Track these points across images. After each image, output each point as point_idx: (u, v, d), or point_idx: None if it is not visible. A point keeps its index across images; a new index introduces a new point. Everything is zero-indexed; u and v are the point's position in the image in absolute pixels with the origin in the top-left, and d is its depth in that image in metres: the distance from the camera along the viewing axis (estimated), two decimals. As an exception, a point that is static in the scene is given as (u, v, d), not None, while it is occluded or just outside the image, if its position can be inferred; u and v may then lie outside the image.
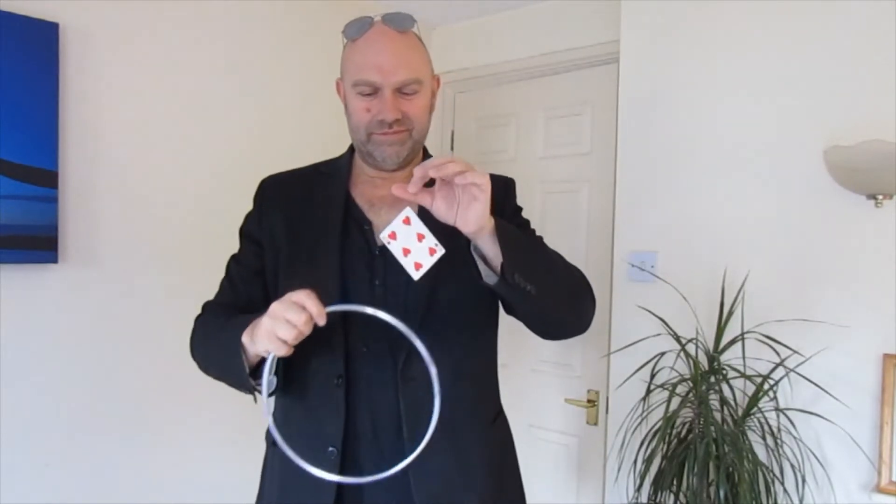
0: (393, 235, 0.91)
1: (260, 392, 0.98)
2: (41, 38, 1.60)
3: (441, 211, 0.92)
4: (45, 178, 1.61)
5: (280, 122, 2.20)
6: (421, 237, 0.92)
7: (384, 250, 1.08)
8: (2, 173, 1.54)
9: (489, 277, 0.97)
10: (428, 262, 0.91)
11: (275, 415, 1.16)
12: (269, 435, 1.17)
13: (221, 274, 1.20)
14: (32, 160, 1.59)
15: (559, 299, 1.04)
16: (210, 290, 1.20)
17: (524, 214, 1.24)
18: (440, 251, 0.92)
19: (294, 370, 1.09)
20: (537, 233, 1.23)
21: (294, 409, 1.11)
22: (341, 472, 1.03)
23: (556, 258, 1.09)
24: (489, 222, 0.93)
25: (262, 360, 0.94)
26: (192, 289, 1.90)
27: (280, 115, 2.21)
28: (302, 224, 1.11)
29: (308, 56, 2.26)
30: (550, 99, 2.43)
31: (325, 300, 1.04)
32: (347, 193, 1.13)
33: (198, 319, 1.15)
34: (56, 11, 1.65)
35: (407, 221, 0.91)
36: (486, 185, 0.89)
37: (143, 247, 1.86)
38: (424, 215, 0.95)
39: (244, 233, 1.19)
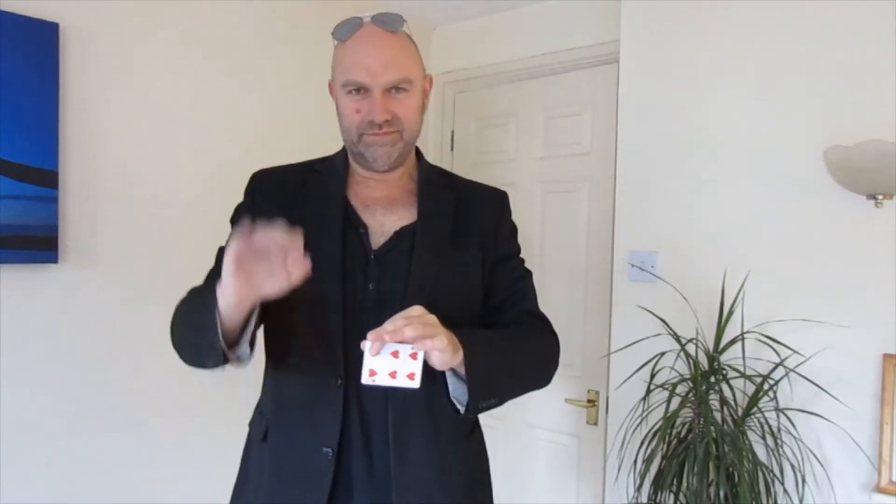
0: (373, 373, 0.91)
1: (231, 358, 0.94)
2: (41, 38, 1.60)
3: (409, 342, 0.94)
4: (45, 178, 1.61)
5: (280, 121, 2.20)
6: (396, 353, 0.91)
7: (379, 255, 1.08)
8: (2, 173, 1.54)
9: (456, 389, 1.02)
10: (418, 368, 0.91)
11: (264, 411, 1.16)
12: (256, 429, 1.16)
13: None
14: (32, 160, 1.59)
15: (518, 395, 1.12)
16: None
17: (519, 219, 1.25)
18: (421, 351, 0.91)
19: (292, 365, 1.09)
20: (527, 261, 1.25)
21: (290, 406, 1.10)
22: (333, 475, 1.04)
23: (524, 355, 1.12)
24: (459, 355, 0.95)
25: (241, 333, 0.94)
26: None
27: (280, 115, 2.21)
28: (299, 222, 1.11)
29: (308, 56, 2.26)
30: (550, 99, 2.43)
31: (326, 304, 1.05)
32: (344, 195, 1.13)
33: (179, 303, 1.11)
34: (56, 11, 1.65)
35: (375, 352, 0.90)
36: (443, 347, 0.91)
37: (142, 247, 1.86)
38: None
39: (235, 222, 1.17)
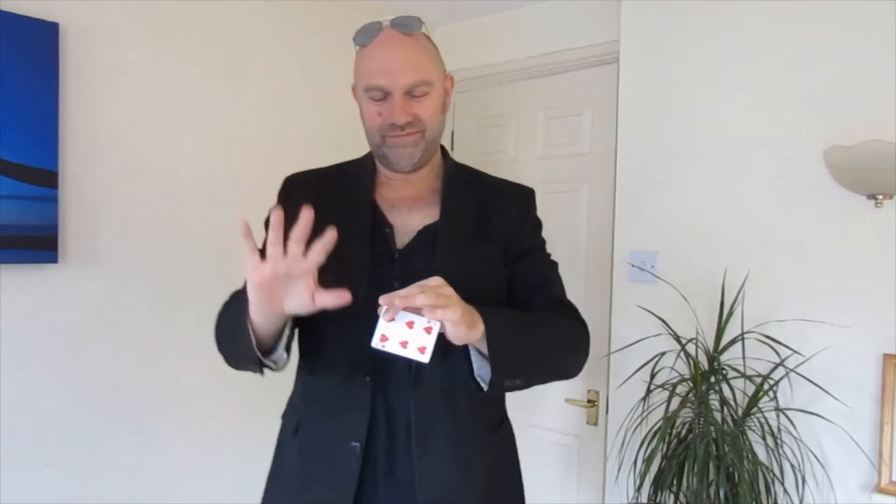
0: (384, 338, 0.91)
1: (268, 367, 0.98)
2: (41, 38, 1.60)
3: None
4: (45, 178, 1.61)
5: (281, 122, 2.20)
6: (410, 324, 0.91)
7: (404, 253, 1.09)
8: (2, 173, 1.54)
9: (480, 367, 1.01)
10: (430, 342, 0.91)
11: (296, 404, 1.17)
12: (289, 422, 1.17)
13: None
14: (32, 160, 1.59)
15: (544, 379, 1.11)
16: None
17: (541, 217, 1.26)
18: (436, 326, 0.91)
19: (322, 364, 1.11)
20: (549, 253, 1.25)
21: (321, 401, 1.11)
22: (360, 469, 1.05)
23: (549, 337, 1.09)
24: (478, 330, 0.94)
25: (277, 337, 0.97)
26: (193, 289, 1.91)
27: (281, 116, 2.21)
28: (327, 224, 1.11)
29: (309, 56, 2.26)
30: (550, 99, 2.43)
31: (355, 304, 1.05)
32: (371, 195, 1.14)
33: (222, 307, 1.12)
34: (56, 11, 1.65)
35: (389, 318, 0.91)
36: (456, 319, 0.90)
37: (143, 247, 1.85)
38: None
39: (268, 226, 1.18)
